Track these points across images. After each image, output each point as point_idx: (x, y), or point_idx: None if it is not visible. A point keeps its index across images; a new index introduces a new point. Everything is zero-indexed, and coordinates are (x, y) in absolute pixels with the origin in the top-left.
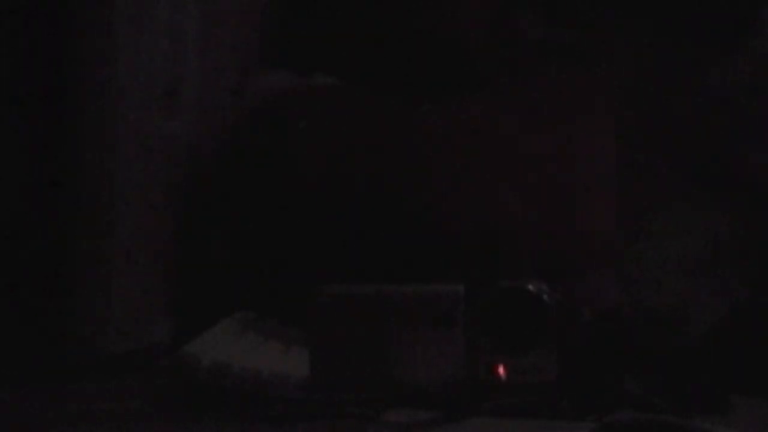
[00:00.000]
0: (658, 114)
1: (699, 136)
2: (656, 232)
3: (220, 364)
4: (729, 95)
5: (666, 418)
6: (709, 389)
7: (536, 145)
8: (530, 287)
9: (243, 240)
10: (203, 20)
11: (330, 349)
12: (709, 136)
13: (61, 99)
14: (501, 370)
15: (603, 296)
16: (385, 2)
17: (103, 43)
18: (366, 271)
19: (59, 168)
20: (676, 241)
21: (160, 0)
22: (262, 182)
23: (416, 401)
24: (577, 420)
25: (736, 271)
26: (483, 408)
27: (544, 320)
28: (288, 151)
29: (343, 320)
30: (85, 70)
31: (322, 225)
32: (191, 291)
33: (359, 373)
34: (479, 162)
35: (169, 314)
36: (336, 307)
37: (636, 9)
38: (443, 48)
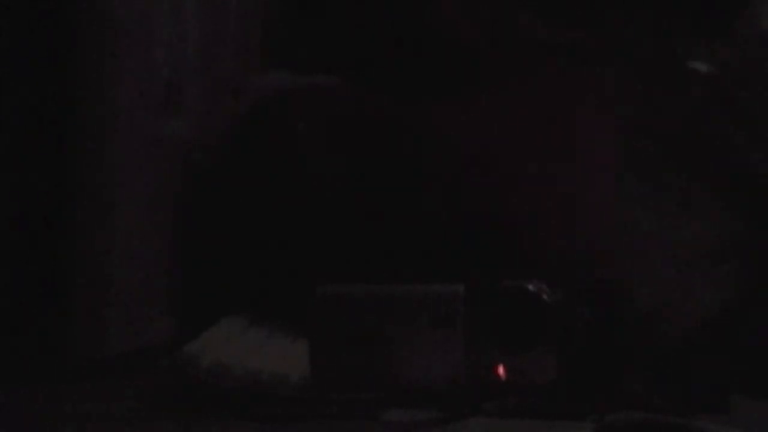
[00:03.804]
0: (656, 110)
1: (696, 130)
2: (653, 229)
3: (220, 364)
4: (721, 85)
5: (666, 418)
6: (709, 389)
7: (536, 145)
8: (530, 287)
9: (243, 240)
10: (203, 20)
11: (330, 349)
12: (706, 130)
13: (60, 99)
14: (501, 370)
15: (603, 295)
16: (386, 2)
17: (103, 42)
18: (366, 271)
19: (58, 168)
20: (674, 236)
21: (160, 0)
22: (261, 182)
23: (416, 401)
24: (577, 420)
25: (733, 268)
26: (483, 408)
27: (544, 320)
28: (288, 151)
29: (343, 320)
30: (84, 70)
31: (322, 225)
32: (191, 291)
33: (359, 373)
34: (479, 162)
35: (169, 314)
36: (336, 307)
37: (634, 5)
38: (443, 48)
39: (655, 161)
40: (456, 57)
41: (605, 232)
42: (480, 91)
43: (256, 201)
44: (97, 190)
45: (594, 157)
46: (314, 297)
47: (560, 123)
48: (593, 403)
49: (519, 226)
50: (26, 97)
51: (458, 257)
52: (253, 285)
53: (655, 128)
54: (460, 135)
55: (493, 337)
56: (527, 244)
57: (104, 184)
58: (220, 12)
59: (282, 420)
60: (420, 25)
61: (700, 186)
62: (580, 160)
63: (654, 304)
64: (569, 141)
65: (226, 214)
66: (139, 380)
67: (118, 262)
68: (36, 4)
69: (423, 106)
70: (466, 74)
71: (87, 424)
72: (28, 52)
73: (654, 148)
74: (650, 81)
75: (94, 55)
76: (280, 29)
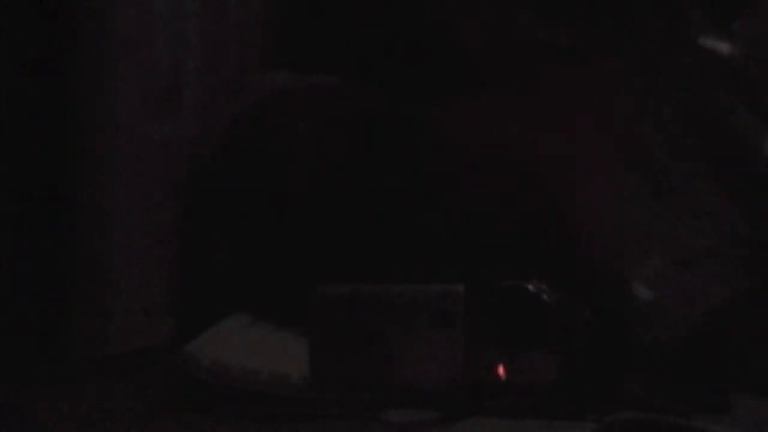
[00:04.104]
0: (659, 105)
1: (701, 126)
2: (653, 228)
3: (220, 364)
4: (735, 66)
5: (666, 418)
6: (709, 389)
7: (536, 145)
8: (530, 287)
9: (243, 240)
10: (203, 20)
11: (330, 349)
12: (712, 123)
13: (60, 99)
14: (501, 370)
15: (603, 295)
16: (386, 2)
17: (103, 43)
18: (366, 271)
19: (59, 168)
20: (674, 235)
21: (160, 0)
22: (261, 182)
23: (416, 401)
24: (577, 420)
25: (734, 266)
26: (483, 408)
27: (544, 320)
28: (288, 151)
29: (342, 320)
30: (84, 70)
31: (322, 225)
32: (191, 291)
33: (359, 373)
34: (479, 162)
35: (169, 314)
36: (335, 306)
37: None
38: (443, 48)
39: (656, 160)
40: (456, 57)
41: (605, 231)
42: (480, 91)
43: (256, 201)
44: (97, 190)
45: (594, 156)
46: (314, 297)
47: (560, 123)
48: (593, 403)
49: (519, 226)
50: (26, 97)
51: (458, 257)
52: (253, 285)
53: (657, 125)
54: (460, 135)
55: (493, 337)
56: (528, 244)
57: (104, 184)
58: (220, 12)
59: (282, 420)
60: (420, 25)
61: (701, 183)
62: (580, 159)
63: (654, 304)
64: (569, 141)
65: (226, 214)
66: (139, 380)
67: (118, 262)
68: (36, 4)
69: (423, 106)
70: (466, 74)
71: (87, 424)
72: (28, 53)
73: (655, 145)
74: (655, 73)
75: (94, 55)
76: (280, 29)
